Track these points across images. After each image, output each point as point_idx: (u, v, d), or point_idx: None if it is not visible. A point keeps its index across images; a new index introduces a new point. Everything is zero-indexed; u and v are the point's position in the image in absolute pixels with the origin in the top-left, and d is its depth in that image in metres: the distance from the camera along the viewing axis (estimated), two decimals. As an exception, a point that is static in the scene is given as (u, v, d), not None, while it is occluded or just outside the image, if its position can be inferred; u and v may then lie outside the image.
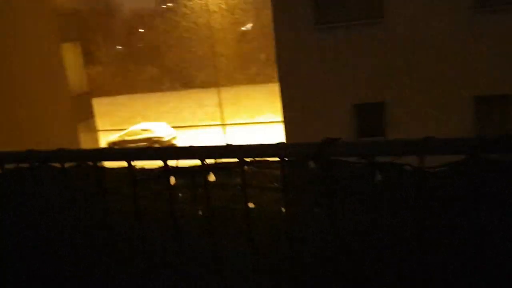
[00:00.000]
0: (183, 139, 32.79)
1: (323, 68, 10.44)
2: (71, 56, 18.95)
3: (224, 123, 30.31)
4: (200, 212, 1.50)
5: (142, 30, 58.79)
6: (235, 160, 1.45)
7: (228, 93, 46.03)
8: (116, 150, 1.59)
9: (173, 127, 34.55)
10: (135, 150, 1.58)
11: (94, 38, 56.96)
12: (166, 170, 1.53)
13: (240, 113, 39.33)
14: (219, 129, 30.57)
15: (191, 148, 1.53)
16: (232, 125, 35.27)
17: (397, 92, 10.21)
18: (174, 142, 32.10)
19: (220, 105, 30.09)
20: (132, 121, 41.20)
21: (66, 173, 1.57)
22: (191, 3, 51.75)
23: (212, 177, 1.49)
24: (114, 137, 32.51)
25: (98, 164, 1.54)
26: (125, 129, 34.67)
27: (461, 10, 9.43)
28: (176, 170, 1.53)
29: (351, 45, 10.15)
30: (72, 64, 18.98)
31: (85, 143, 19.09)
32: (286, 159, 1.40)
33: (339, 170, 1.35)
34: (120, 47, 59.74)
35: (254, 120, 36.80)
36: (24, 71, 15.92)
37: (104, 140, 32.36)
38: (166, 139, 31.49)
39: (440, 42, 9.71)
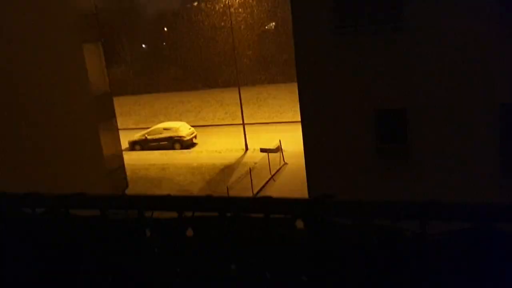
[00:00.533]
0: (203, 138, 32.88)
1: (343, 71, 10.19)
2: (92, 57, 19.14)
3: (244, 122, 30.18)
4: (178, 270, 1.34)
5: (165, 29, 59.20)
6: (216, 214, 1.29)
7: (249, 92, 45.94)
8: (89, 196, 1.45)
9: (194, 126, 34.69)
10: (110, 196, 1.43)
11: (119, 38, 57.67)
12: (141, 221, 1.38)
13: (260, 112, 39.19)
14: (239, 128, 30.51)
15: (168, 198, 1.37)
16: (252, 124, 35.16)
17: (419, 98, 9.88)
18: (194, 141, 32.22)
19: (240, 104, 29.99)
20: (154, 119, 41.55)
21: (35, 219, 1.44)
22: (214, 3, 51.78)
23: (190, 232, 1.33)
24: (136, 136, 32.84)
25: (70, 211, 1.41)
26: (147, 128, 34.98)
27: (486, 13, 9.05)
28: (152, 222, 1.38)
29: (372, 49, 9.87)
30: (94, 65, 19.16)
31: (105, 143, 19.27)
32: (272, 216, 1.23)
33: (331, 232, 1.18)
34: (144, 46, 60.30)
35: (275, 119, 36.60)
36: (44, 72, 16.13)
37: (126, 139, 32.76)
38: (186, 138, 31.62)
39: (464, 46, 9.34)
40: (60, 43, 16.89)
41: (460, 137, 9.77)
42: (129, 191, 22.18)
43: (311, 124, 10.67)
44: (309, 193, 10.95)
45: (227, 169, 25.88)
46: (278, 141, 27.38)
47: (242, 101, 35.96)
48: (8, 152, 14.61)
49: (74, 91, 17.52)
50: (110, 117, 20.23)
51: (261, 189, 22.16)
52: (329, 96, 10.39)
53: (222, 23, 50.56)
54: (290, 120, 33.77)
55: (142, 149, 32.00)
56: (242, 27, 50.82)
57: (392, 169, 10.34)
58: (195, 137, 32.43)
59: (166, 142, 31.58)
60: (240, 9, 50.09)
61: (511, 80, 9.23)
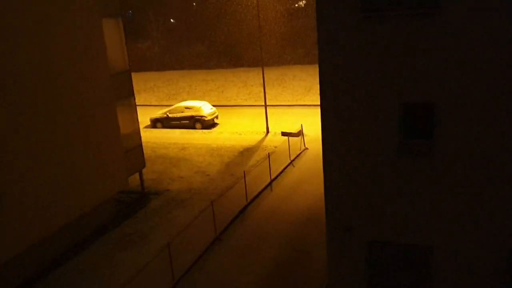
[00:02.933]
0: (224, 119, 32.41)
1: (367, 59, 9.42)
2: (112, 33, 18.71)
3: (267, 104, 29.48)
4: None
5: (194, 4, 58.33)
6: None
7: (274, 73, 45.01)
8: None
9: (216, 105, 34.23)
10: None
11: (146, 11, 57.21)
12: None
13: (284, 94, 38.35)
14: (262, 109, 29.84)
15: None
16: (275, 106, 34.42)
17: (449, 92, 9.04)
18: (216, 121, 31.79)
19: (263, 85, 29.23)
20: (177, 97, 41.26)
21: None
22: (243, -22, 50.54)
23: None
24: (157, 113, 32.63)
25: None
26: (170, 105, 34.69)
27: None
28: None
29: (400, 37, 9.05)
30: (113, 41, 18.73)
31: (123, 122, 18.98)
32: None
33: None
34: (173, 20, 59.64)
35: (299, 102, 35.74)
36: (62, 48, 15.79)
37: (148, 116, 32.58)
38: (208, 118, 31.22)
39: (503, 36, 8.42)
40: (78, 18, 16.47)
41: (492, 135, 8.94)
42: (146, 170, 22.01)
43: (329, 110, 10.00)
44: (325, 183, 10.36)
45: (247, 152, 25.40)
46: (300, 125, 26.69)
47: (266, 82, 35.12)
48: (21, 132, 14.45)
49: (91, 68, 17.17)
50: (128, 95, 19.88)
51: (278, 175, 21.63)
52: (351, 84, 9.66)
53: (250, 2, 49.38)
54: (314, 104, 32.90)
55: (163, 127, 31.81)
56: (270, 5, 49.54)
57: (416, 166, 9.62)
58: (216, 117, 31.99)
59: (187, 121, 31.28)
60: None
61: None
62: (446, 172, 9.44)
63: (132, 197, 20.50)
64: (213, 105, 33.54)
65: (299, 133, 26.36)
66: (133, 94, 20.20)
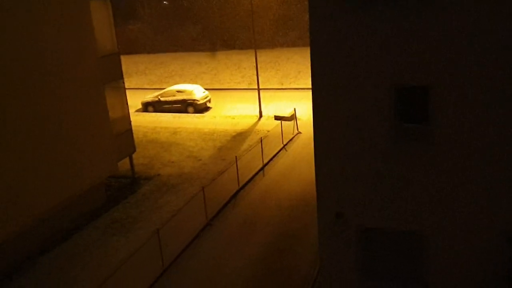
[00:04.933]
0: (217, 103, 32.03)
1: (360, 42, 9.11)
2: (100, 14, 18.19)
3: (260, 87, 29.11)
4: None
5: (186, -14, 57.24)
6: None
7: (267, 55, 44.48)
8: None
9: (209, 89, 33.79)
10: None
11: (137, -7, 56.09)
12: None
13: (277, 78, 37.95)
14: (255, 93, 29.48)
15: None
16: (268, 90, 34.06)
17: (446, 74, 8.78)
18: (208, 105, 31.42)
19: (256, 69, 28.82)
20: (169, 80, 40.73)
21: None
22: (235, -41, 49.56)
23: None
24: (149, 97, 32.17)
25: None
26: (162, 89, 34.21)
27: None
28: None
29: (394, 17, 8.74)
30: (101, 23, 18.23)
31: (112, 106, 18.60)
32: None
33: None
34: (165, 2, 58.55)
35: (292, 85, 35.39)
36: (49, 30, 15.31)
37: (140, 100, 32.11)
38: (200, 102, 30.83)
39: (500, 16, 8.14)
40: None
41: (489, 120, 8.72)
42: (137, 155, 21.72)
43: (322, 97, 9.73)
44: (316, 168, 10.15)
45: (239, 136, 25.13)
46: (293, 109, 26.40)
47: (260, 65, 34.61)
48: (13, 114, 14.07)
49: (79, 50, 16.72)
50: (117, 78, 19.44)
51: (271, 160, 21.42)
52: (343, 68, 9.37)
53: (243, -18, 48.50)
54: (307, 87, 32.58)
55: (155, 110, 31.40)
56: (264, -14, 48.69)
57: (410, 151, 9.40)
58: (209, 101, 31.61)
59: (179, 105, 30.89)
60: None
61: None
62: (441, 157, 9.24)
63: (123, 182, 20.25)
64: (206, 89, 33.13)
65: (292, 117, 26.11)
66: (122, 77, 19.76)
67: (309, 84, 10.62)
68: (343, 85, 9.52)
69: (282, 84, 36.26)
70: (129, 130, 20.23)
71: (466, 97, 8.79)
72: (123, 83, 19.86)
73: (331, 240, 10.52)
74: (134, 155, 20.92)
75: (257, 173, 20.12)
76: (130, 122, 20.31)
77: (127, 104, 20.13)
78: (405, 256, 10.15)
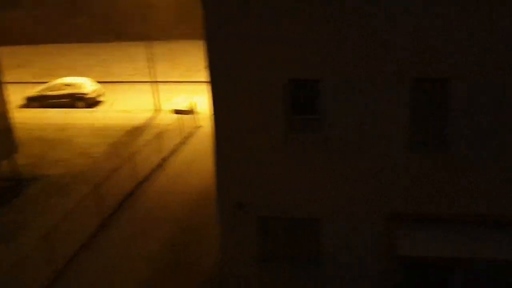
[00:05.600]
0: (110, 97, 30.46)
1: (254, 37, 9.17)
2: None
3: (155, 80, 28.24)
4: None
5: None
6: None
7: (163, 48, 43.38)
8: None
9: (100, 82, 31.98)
10: None
11: (15, -23, 51.05)
12: None
13: (175, 70, 37.21)
14: (151, 86, 28.53)
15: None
16: (165, 83, 33.24)
17: (334, 68, 9.20)
18: (100, 99, 29.74)
19: (151, 60, 27.87)
20: (56, 73, 37.81)
21: None
22: None
23: None
24: (33, 91, 29.52)
25: None
26: (47, 83, 31.60)
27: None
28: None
29: (287, 12, 8.92)
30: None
31: (-12, 101, 16.69)
32: None
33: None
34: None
35: (190, 78, 34.93)
36: None
37: (23, 94, 29.34)
38: (90, 95, 29.03)
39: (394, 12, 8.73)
40: None
41: (374, 111, 9.33)
42: (22, 154, 19.84)
43: (220, 91, 9.66)
44: (216, 161, 10.09)
45: (136, 131, 24.18)
46: (192, 102, 26.07)
47: (155, 58, 33.60)
48: None
49: None
50: (-8, 70, 17.48)
51: (170, 154, 20.94)
52: (239, 62, 9.37)
53: (135, -30, 46.60)
54: (207, 80, 32.36)
55: (41, 106, 28.88)
56: (157, -24, 47.25)
57: (303, 142, 9.73)
58: (101, 94, 29.91)
59: (67, 100, 28.77)
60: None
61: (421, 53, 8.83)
62: (332, 147, 9.69)
63: (5, 185, 18.36)
64: (97, 82, 31.31)
65: (192, 111, 25.78)
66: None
67: (207, 77, 10.50)
68: (239, 79, 9.54)
69: (180, 77, 35.62)
70: (9, 128, 18.35)
71: (353, 90, 9.30)
72: (1, 76, 17.93)
73: (232, 231, 10.55)
74: (18, 155, 19.06)
75: (156, 168, 19.53)
76: (9, 119, 18.43)
77: (4, 99, 18.22)
78: (302, 240, 10.55)
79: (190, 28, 48.11)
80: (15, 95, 29.43)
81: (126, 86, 33.96)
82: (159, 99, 27.85)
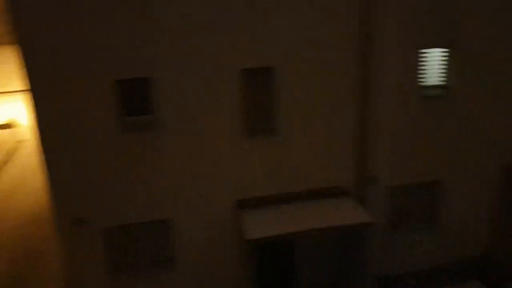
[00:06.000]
0: None
1: (74, 38, 8.59)
2: None
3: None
4: None
5: None
6: None
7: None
8: None
9: None
10: None
11: None
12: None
13: (-13, 81, 32.73)
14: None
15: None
16: (-23, 96, 29.06)
17: (164, 67, 9.16)
18: None
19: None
20: None
21: None
22: None
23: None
24: None
25: None
26: None
27: None
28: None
29: (100, 12, 8.56)
30: None
31: None
32: None
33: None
34: None
35: (7, 88, 31.12)
36: None
37: None
38: None
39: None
40: None
41: (208, 104, 9.60)
42: None
43: (41, 97, 8.84)
44: (47, 175, 9.24)
45: None
46: (11, 114, 23.32)
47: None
48: None
49: None
50: None
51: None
52: (59, 65, 8.69)
53: None
54: (24, 89, 29.14)
55: None
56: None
57: (140, 144, 9.51)
58: None
59: None
60: None
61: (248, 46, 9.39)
62: (169, 145, 9.70)
63: None
64: None
65: (10, 124, 23.09)
66: None
67: (24, 86, 9.49)
68: (63, 84, 8.89)
69: (-7, 87, 31.44)
70: None
71: (185, 85, 9.43)
72: None
73: (75, 249, 9.86)
74: None
75: (-25, 195, 17.04)
76: None
77: None
78: (155, 244, 10.40)
79: (1, 31, 42.73)
80: None
81: None
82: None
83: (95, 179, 9.51)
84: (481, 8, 10.39)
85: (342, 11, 9.63)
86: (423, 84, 10.73)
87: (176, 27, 9.03)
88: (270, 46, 9.51)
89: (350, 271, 10.92)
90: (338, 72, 10.01)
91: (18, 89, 30.23)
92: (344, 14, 9.66)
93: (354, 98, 10.27)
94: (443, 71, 10.79)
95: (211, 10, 9.05)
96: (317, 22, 9.58)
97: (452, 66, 10.69)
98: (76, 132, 9.20)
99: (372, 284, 10.38)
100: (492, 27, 10.56)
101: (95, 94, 9.05)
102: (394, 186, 11.23)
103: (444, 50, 10.61)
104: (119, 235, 10.11)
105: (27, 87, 8.88)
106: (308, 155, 10.44)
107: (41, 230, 14.79)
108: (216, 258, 10.71)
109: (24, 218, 15.54)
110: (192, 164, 9.94)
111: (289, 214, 9.95)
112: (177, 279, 10.61)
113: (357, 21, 9.75)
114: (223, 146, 9.96)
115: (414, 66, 10.47)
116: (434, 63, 10.69)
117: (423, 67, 10.58)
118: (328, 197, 10.55)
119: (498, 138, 11.49)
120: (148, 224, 10.16)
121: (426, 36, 10.25)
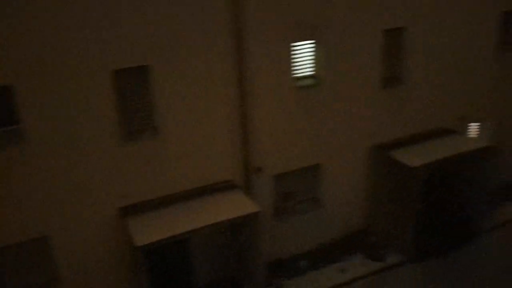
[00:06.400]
0: None
1: None
2: None
3: None
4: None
5: None
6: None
7: None
8: None
9: None
10: None
11: None
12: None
13: None
14: None
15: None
16: None
17: (28, 73, 8.40)
18: None
19: None
20: None
21: None
22: None
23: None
24: None
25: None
26: None
27: None
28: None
29: None
30: None
31: None
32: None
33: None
34: None
35: None
36: None
37: None
38: None
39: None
40: None
41: (78, 109, 9.05)
42: None
43: None
44: None
45: None
46: None
47: None
48: None
49: None
50: None
51: None
52: None
53: None
54: None
55: None
56: None
57: (6, 160, 8.68)
58: None
59: None
60: None
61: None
62: (38, 157, 8.99)
63: None
64: None
65: None
66: None
67: None
68: None
69: None
70: None
71: (52, 92, 8.80)
72: None
73: None
74: None
75: None
76: None
77: None
78: (35, 266, 9.62)
79: None
80: None
81: None
82: None
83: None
84: (341, 1, 11.14)
85: (213, 7, 9.69)
86: (296, 75, 11.27)
87: (37, 27, 8.36)
88: (141, 44, 9.25)
89: (244, 262, 11.14)
90: (214, 68, 10.09)
91: None
92: (216, 10, 9.73)
93: (233, 93, 10.44)
94: (312, 62, 11.45)
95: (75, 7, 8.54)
96: (188, 18, 9.53)
97: (319, 57, 11.36)
98: None
99: (263, 270, 10.69)
100: (350, 19, 11.38)
101: None
102: (279, 174, 11.68)
103: (311, 42, 11.24)
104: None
105: None
106: (192, 152, 10.40)
107: None
108: (105, 270, 10.23)
109: None
110: (66, 175, 9.32)
111: (178, 215, 9.84)
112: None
113: (228, 17, 9.90)
114: (99, 152, 9.49)
115: (286, 59, 10.94)
116: (304, 55, 11.29)
117: (295, 60, 11.11)
118: (218, 192, 10.63)
119: (366, 121, 12.49)
120: (26, 244, 9.33)
121: (294, 30, 10.74)
